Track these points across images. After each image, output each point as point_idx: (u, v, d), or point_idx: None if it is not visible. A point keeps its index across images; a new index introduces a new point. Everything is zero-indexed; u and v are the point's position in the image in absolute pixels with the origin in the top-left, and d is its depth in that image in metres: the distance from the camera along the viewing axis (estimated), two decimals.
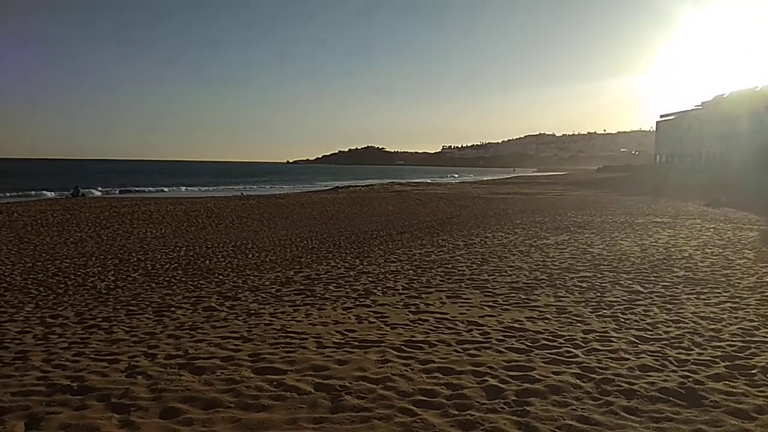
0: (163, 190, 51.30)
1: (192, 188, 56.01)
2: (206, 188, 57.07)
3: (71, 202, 31.61)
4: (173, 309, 7.79)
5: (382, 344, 5.76)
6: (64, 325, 6.99)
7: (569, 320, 6.69)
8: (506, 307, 7.44)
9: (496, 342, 5.81)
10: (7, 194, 39.16)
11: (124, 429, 3.80)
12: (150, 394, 4.44)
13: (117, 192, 47.36)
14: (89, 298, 8.68)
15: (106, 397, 4.38)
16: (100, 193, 44.61)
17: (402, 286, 9.01)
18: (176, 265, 11.77)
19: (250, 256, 12.95)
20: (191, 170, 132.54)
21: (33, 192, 42.33)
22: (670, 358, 5.24)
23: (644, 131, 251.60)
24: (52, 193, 42.02)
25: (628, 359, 5.22)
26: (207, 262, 12.15)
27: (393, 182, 68.69)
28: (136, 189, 51.61)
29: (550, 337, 5.95)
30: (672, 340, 5.83)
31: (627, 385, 4.55)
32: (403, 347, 5.64)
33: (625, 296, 7.96)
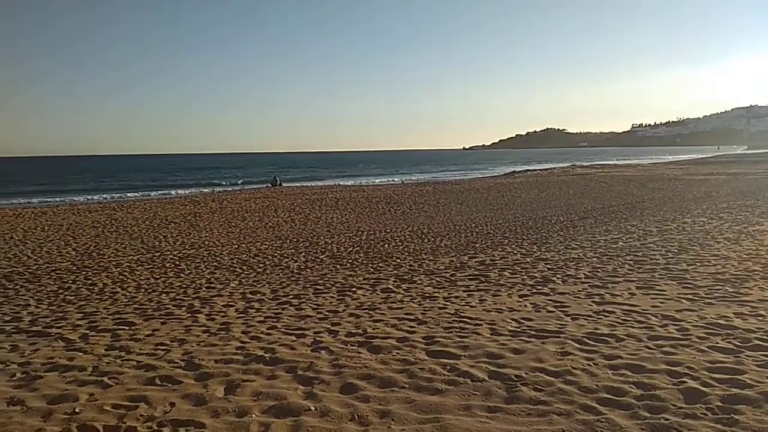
0: (340, 181, 54.45)
1: (369, 178, 58.48)
2: (382, 178, 59.10)
3: (270, 190, 35.04)
4: (354, 289, 8.19)
5: (561, 335, 5.42)
6: (261, 300, 7.73)
7: None
8: (709, 301, 6.56)
9: (697, 340, 5.13)
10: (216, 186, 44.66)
11: (308, 400, 4.04)
12: (331, 369, 4.68)
13: (306, 183, 51.24)
14: (283, 276, 9.50)
15: (293, 369, 4.72)
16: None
17: (584, 274, 8.43)
18: (358, 248, 12.38)
19: (426, 240, 13.14)
20: (372, 159, 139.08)
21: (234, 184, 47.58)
22: None
23: None
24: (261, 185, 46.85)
25: None
26: (386, 245, 12.60)
27: (575, 165, 65.19)
28: (325, 176, 55.39)
29: (765, 337, 5.10)
30: None
31: None
32: (585, 340, 5.25)
33: None
